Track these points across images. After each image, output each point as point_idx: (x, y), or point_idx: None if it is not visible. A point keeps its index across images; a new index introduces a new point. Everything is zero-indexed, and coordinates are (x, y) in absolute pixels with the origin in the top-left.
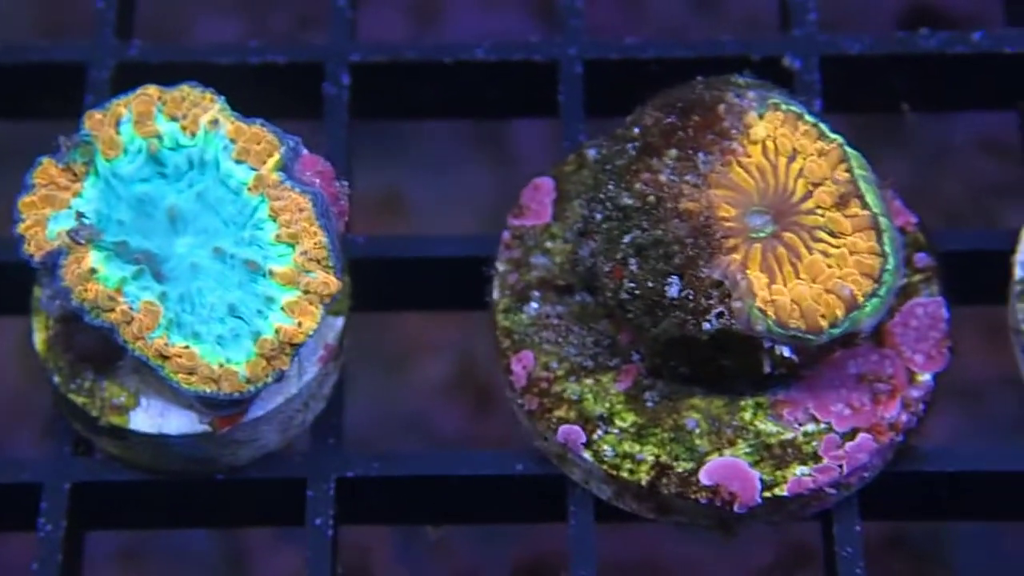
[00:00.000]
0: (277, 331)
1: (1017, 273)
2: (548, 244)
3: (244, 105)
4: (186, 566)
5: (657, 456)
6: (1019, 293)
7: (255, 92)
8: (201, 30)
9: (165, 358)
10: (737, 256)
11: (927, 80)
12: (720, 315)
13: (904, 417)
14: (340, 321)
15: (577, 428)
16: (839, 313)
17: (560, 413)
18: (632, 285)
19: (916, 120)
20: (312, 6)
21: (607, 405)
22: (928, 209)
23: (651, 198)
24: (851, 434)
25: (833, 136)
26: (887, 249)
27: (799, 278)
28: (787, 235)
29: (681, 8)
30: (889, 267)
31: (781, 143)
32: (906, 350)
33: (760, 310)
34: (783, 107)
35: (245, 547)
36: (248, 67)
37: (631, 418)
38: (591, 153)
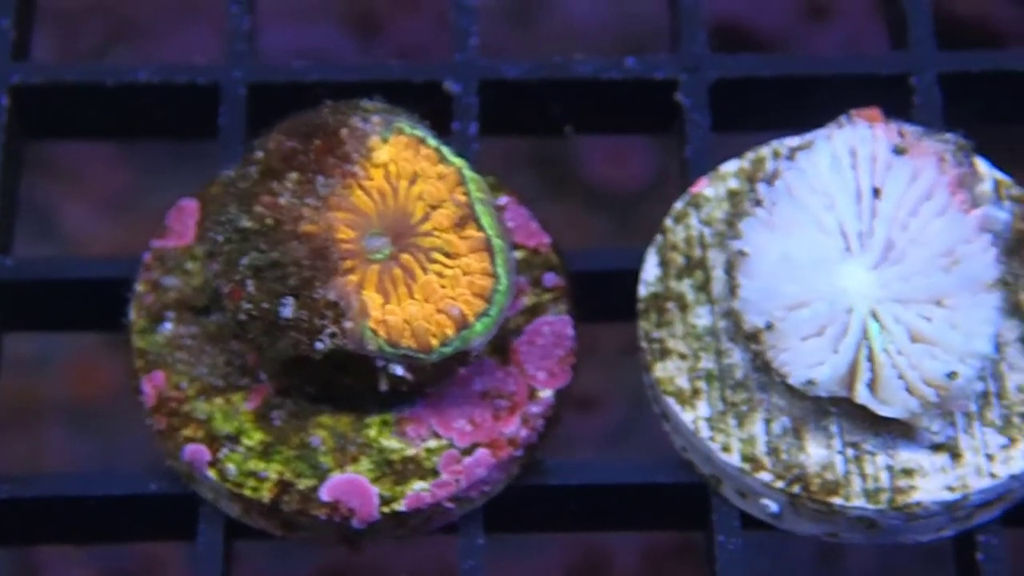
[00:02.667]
0: None
1: (641, 292)
2: (188, 265)
3: None
4: None
5: (281, 474)
6: (642, 311)
7: None
8: None
9: None
10: (354, 277)
11: (584, 104)
12: (333, 335)
13: (523, 432)
14: None
15: (201, 447)
16: (449, 332)
17: (188, 432)
18: (249, 306)
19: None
20: (121, 24)
21: (236, 424)
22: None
23: (269, 220)
24: (470, 449)
25: (453, 160)
26: (499, 270)
27: (413, 298)
28: (404, 256)
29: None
30: (500, 288)
31: (403, 166)
32: (529, 367)
33: (372, 330)
34: (407, 131)
35: (38, 561)
36: None
37: (258, 436)
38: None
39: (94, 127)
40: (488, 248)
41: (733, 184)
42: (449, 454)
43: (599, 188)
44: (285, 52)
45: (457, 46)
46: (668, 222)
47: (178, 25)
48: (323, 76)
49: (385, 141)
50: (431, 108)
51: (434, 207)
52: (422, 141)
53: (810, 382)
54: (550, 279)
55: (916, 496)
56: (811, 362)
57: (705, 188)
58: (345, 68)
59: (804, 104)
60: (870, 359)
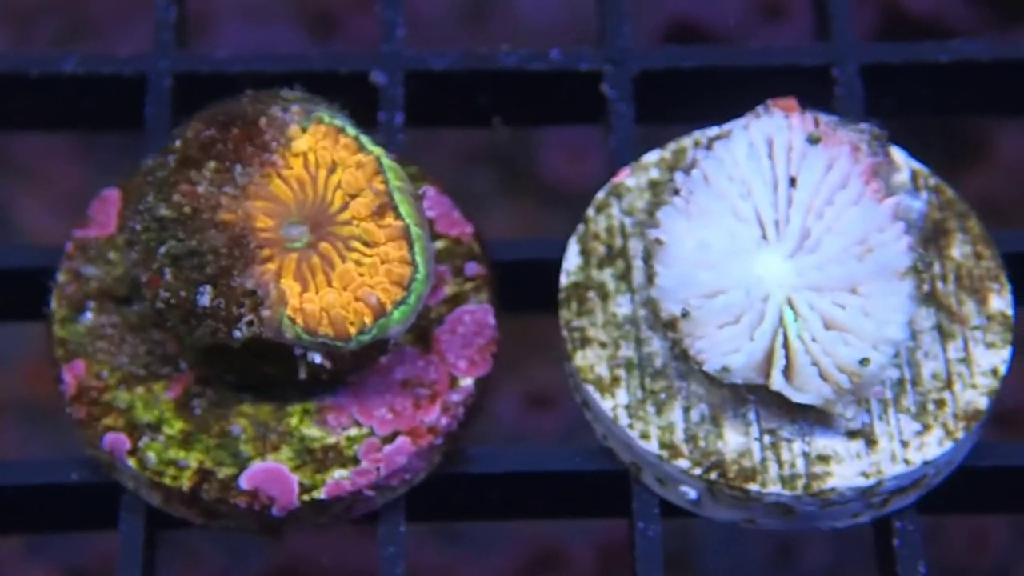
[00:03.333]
0: None
1: (562, 281)
2: (110, 255)
3: None
4: None
5: (201, 462)
6: (563, 300)
7: None
8: None
9: None
10: (272, 266)
11: (509, 95)
12: (250, 323)
13: (443, 421)
14: None
15: (122, 436)
16: (367, 320)
17: (108, 421)
18: (167, 295)
19: (509, 133)
20: (74, 18)
21: (156, 413)
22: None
23: (187, 209)
24: (390, 437)
25: (372, 148)
26: (418, 259)
27: (331, 287)
28: (323, 245)
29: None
30: (419, 276)
31: (322, 155)
32: (450, 356)
33: (289, 318)
34: (326, 120)
35: None
36: None
37: (179, 425)
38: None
39: (27, 118)
40: (406, 236)
41: (654, 174)
42: (369, 442)
43: (556, 186)
44: (240, 52)
45: (383, 37)
46: (590, 212)
47: (132, 24)
48: (249, 66)
49: (304, 130)
50: (357, 99)
51: (353, 196)
52: (341, 130)
53: (725, 369)
54: (472, 268)
55: (831, 482)
56: (727, 349)
57: (626, 178)
58: (271, 59)
59: (730, 96)
60: (785, 346)
